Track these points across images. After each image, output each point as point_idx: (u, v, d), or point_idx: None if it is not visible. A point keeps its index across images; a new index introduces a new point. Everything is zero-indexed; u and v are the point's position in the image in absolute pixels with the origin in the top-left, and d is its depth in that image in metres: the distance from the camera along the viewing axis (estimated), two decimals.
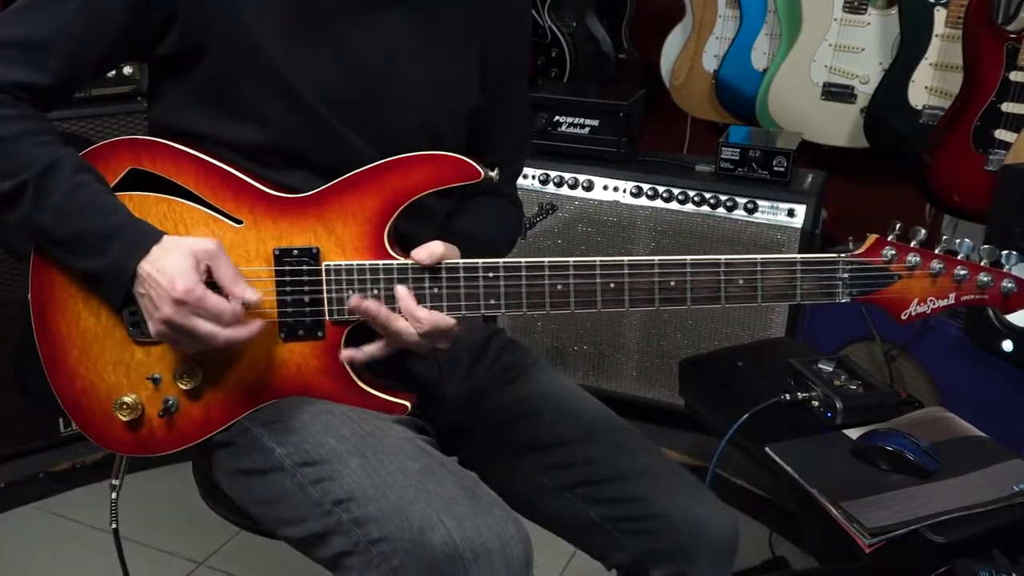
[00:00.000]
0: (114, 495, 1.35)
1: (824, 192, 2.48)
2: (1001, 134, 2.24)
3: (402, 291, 1.17)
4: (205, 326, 1.12)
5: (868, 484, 1.53)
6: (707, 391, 1.97)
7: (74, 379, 1.23)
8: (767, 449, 1.65)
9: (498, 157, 1.41)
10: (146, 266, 1.12)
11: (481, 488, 1.14)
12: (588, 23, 3.09)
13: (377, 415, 1.21)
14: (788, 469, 1.60)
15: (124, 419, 1.22)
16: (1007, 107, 2.23)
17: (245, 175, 1.19)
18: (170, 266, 1.11)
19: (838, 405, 1.70)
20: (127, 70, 2.28)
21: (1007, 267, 1.16)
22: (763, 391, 1.79)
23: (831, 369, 1.81)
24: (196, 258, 1.12)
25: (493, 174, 1.19)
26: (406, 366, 1.32)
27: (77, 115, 2.21)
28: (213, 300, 1.11)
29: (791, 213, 2.37)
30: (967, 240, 1.16)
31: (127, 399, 1.22)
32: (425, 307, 1.17)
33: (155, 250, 1.12)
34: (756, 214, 2.39)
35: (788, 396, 1.77)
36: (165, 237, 1.14)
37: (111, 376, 1.22)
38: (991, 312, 1.94)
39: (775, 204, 2.38)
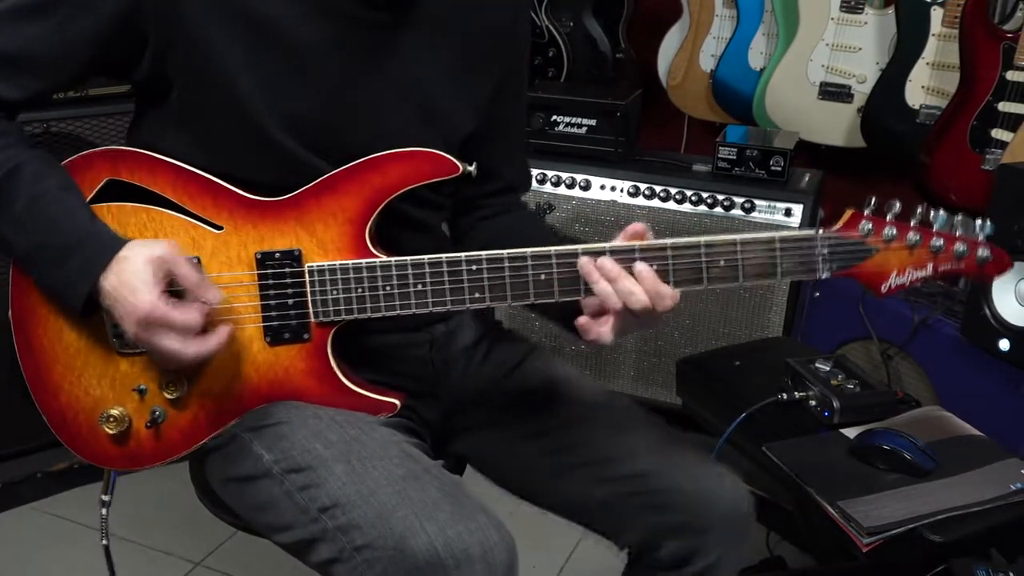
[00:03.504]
0: (104, 511, 1.33)
1: (821, 191, 2.48)
2: (998, 133, 2.25)
3: (643, 267, 1.13)
4: (171, 343, 1.11)
5: (865, 483, 1.53)
6: (705, 390, 1.97)
7: (58, 394, 1.21)
8: (764, 448, 1.65)
9: (502, 183, 1.42)
10: (111, 278, 1.11)
11: (465, 494, 1.14)
12: (585, 23, 3.09)
13: (365, 417, 1.21)
14: (785, 468, 1.60)
15: (111, 432, 1.21)
16: (1004, 106, 2.23)
17: (223, 181, 1.18)
18: (129, 279, 1.10)
19: (835, 404, 1.70)
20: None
21: (981, 236, 1.17)
22: (761, 390, 1.79)
23: (828, 368, 1.81)
24: (154, 267, 1.10)
25: (471, 168, 1.19)
26: (400, 369, 1.31)
27: (75, 115, 2.20)
28: (178, 314, 1.10)
29: (788, 212, 2.37)
30: (942, 212, 1.17)
31: (113, 412, 1.21)
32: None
33: (114, 264, 1.11)
34: (753, 213, 2.39)
35: (785, 395, 1.78)
36: (126, 246, 1.12)
37: (96, 389, 1.21)
38: (988, 311, 1.94)
39: (772, 204, 2.38)
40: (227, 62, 1.14)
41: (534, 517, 1.33)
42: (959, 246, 1.16)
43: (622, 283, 1.12)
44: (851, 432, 1.66)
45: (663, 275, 1.14)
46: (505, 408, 1.36)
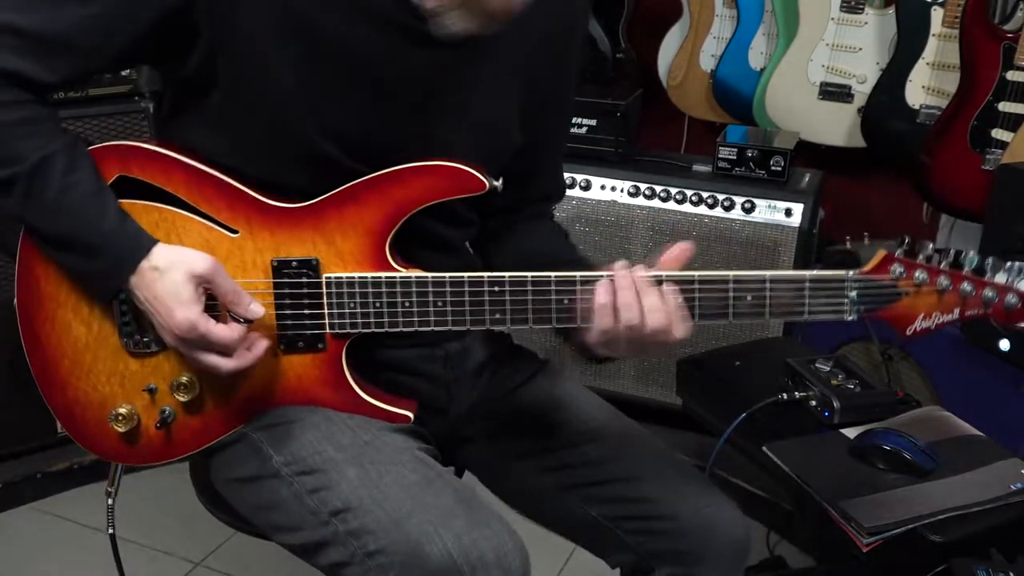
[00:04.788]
0: (110, 501, 1.33)
1: (821, 191, 2.48)
2: (998, 133, 2.24)
3: (671, 290, 1.12)
4: (210, 359, 1.11)
5: (865, 483, 1.53)
6: (705, 390, 1.97)
7: (66, 389, 1.20)
8: (765, 448, 1.65)
9: (538, 193, 1.41)
10: (142, 290, 1.09)
11: (478, 500, 1.13)
12: None
13: (377, 423, 1.20)
14: (786, 468, 1.60)
15: (120, 430, 1.20)
16: (1004, 106, 2.23)
17: (239, 183, 1.15)
18: (167, 293, 1.08)
19: (836, 404, 1.70)
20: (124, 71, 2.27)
21: (1010, 280, 1.14)
22: (761, 390, 1.79)
23: (828, 368, 1.81)
24: (195, 283, 1.09)
25: (498, 184, 1.15)
26: (412, 384, 1.30)
27: (75, 115, 2.21)
28: (218, 332, 1.09)
29: (788, 213, 2.37)
30: (972, 252, 1.15)
31: (122, 410, 1.20)
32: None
33: (147, 269, 1.09)
34: (753, 214, 2.39)
35: (786, 395, 1.77)
36: (156, 249, 1.10)
37: (105, 387, 1.20)
38: None
39: (772, 204, 2.38)
40: (280, 73, 1.11)
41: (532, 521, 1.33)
42: (988, 291, 1.13)
43: (650, 297, 1.10)
44: (851, 432, 1.66)
45: (689, 307, 1.13)
46: (508, 425, 1.35)
